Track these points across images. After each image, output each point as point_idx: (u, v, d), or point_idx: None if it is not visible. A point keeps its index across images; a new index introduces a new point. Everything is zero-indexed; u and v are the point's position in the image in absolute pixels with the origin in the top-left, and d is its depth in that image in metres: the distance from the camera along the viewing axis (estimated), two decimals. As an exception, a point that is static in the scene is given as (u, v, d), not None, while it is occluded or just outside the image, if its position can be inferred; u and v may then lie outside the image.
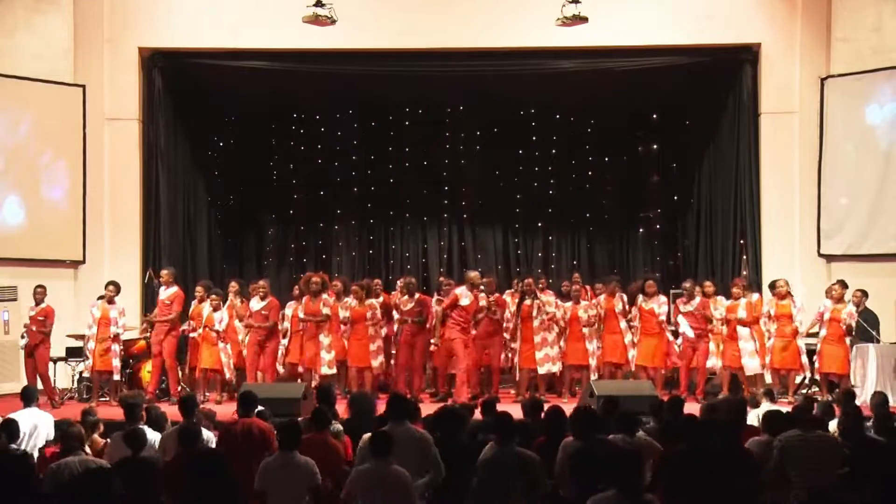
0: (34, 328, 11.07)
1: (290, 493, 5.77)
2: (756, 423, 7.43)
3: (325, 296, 11.32)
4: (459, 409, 7.33)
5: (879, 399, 7.91)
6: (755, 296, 11.45)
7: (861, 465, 5.47)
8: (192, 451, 6.03)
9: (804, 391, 11.60)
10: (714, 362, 11.41)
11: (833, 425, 7.20)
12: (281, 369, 11.59)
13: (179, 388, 11.29)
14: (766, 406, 8.25)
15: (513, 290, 11.89)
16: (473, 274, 11.46)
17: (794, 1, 13.07)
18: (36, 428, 7.82)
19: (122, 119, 13.22)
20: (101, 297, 11.34)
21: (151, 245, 13.25)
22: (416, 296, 11.49)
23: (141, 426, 6.87)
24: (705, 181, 14.49)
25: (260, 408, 7.64)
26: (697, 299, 11.29)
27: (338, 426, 7.36)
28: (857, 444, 6.10)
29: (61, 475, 5.68)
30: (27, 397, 8.20)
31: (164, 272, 11.70)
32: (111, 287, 11.32)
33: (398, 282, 12.02)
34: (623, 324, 11.38)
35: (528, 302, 11.21)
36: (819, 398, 10.13)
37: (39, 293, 11.22)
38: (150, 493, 5.68)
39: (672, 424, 6.48)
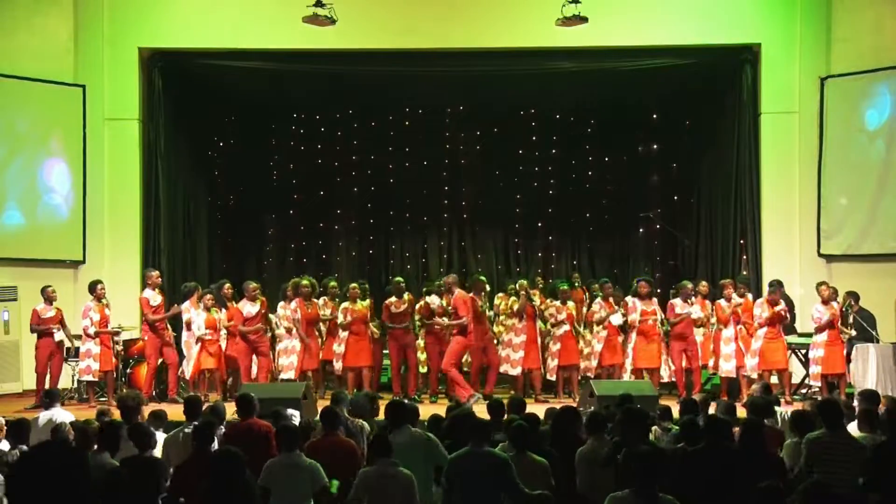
0: (52, 327, 11.14)
1: (293, 494, 5.77)
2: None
3: (316, 299, 11.29)
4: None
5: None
6: (742, 298, 11.36)
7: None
8: (206, 450, 6.07)
9: (803, 391, 11.61)
10: (719, 363, 11.37)
11: (852, 427, 7.16)
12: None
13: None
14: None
15: (507, 292, 12.03)
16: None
17: (794, 1, 13.07)
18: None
19: (122, 119, 13.21)
20: (93, 299, 11.27)
21: (151, 245, 13.23)
22: (406, 296, 11.50)
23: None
24: (705, 181, 14.51)
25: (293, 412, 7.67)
26: (696, 301, 11.29)
27: (365, 424, 7.38)
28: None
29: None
30: (52, 398, 8.37)
31: (153, 273, 11.62)
32: (101, 285, 11.28)
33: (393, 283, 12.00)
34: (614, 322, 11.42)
35: (528, 303, 11.25)
36: (819, 398, 10.15)
37: (52, 293, 11.22)
38: (155, 491, 5.70)
39: (690, 426, 6.46)
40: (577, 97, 14.39)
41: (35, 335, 11.24)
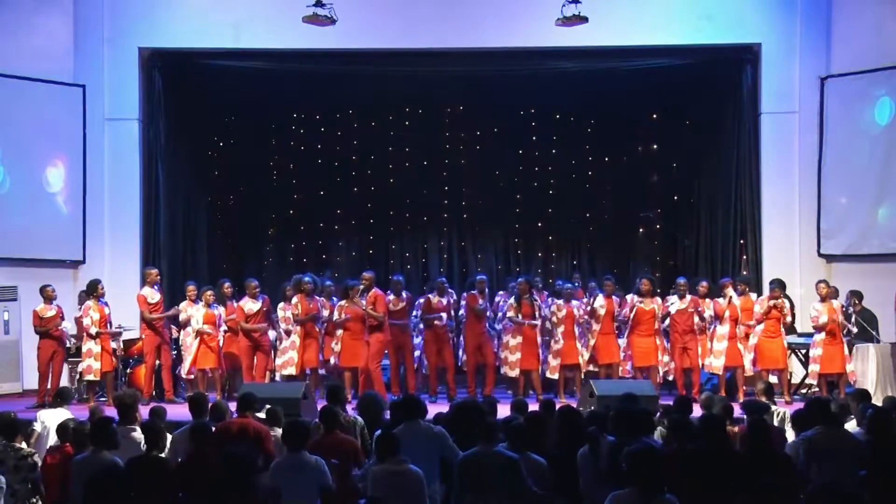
0: (58, 326, 11.17)
1: (301, 494, 5.77)
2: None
3: (318, 297, 11.30)
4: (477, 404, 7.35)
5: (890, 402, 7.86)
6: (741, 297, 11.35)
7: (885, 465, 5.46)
8: (204, 450, 6.06)
9: (803, 391, 11.61)
10: (710, 361, 11.34)
11: (851, 425, 7.15)
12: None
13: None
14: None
15: (508, 290, 12.01)
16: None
17: (794, 1, 13.08)
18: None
19: (122, 119, 13.22)
20: (92, 298, 11.22)
21: (151, 245, 13.25)
22: (405, 295, 11.51)
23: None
24: (705, 181, 14.51)
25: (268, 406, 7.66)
26: (689, 298, 11.28)
27: (358, 419, 7.40)
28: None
29: (84, 472, 5.70)
30: (63, 397, 8.39)
31: (152, 271, 11.61)
32: (101, 285, 11.27)
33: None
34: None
35: (527, 301, 11.24)
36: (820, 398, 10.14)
37: (52, 292, 11.21)
38: (164, 491, 5.70)
39: (682, 424, 6.45)
40: (577, 97, 14.38)
41: (38, 335, 11.19)
